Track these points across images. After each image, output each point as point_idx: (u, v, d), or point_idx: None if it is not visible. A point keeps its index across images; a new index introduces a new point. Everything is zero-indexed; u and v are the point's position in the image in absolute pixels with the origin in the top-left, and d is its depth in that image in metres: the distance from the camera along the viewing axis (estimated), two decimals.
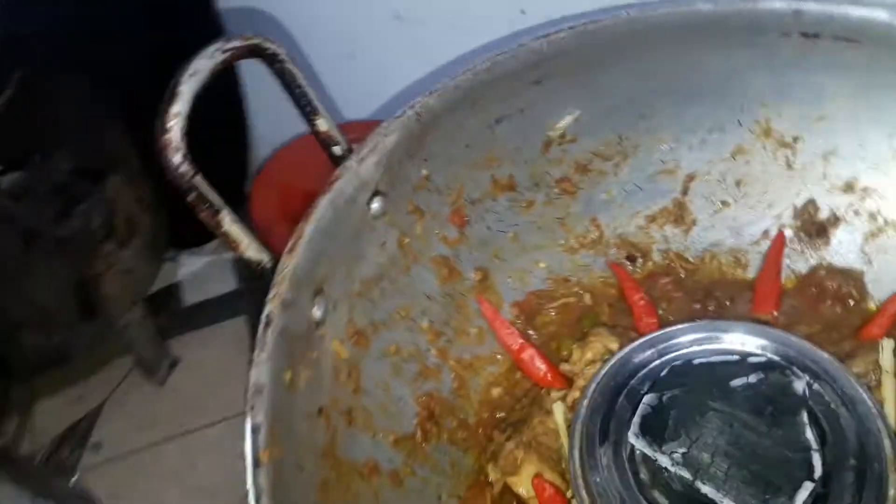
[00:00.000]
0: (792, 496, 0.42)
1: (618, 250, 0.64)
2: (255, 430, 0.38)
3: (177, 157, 0.39)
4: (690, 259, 0.63)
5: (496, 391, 0.58)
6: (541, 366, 0.57)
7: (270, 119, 0.91)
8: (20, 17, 0.73)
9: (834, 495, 0.43)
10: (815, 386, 0.47)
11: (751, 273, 0.62)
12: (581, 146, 0.62)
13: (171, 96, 0.39)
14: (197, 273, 0.98)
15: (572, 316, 0.61)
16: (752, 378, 0.46)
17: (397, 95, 0.82)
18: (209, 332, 0.90)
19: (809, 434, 0.45)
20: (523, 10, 0.70)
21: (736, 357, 0.48)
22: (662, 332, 0.52)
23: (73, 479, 0.73)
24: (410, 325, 0.55)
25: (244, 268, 0.98)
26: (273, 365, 0.40)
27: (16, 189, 0.82)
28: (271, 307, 0.42)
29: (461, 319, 0.59)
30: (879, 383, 0.50)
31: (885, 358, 0.50)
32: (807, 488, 0.42)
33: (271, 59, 0.45)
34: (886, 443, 0.45)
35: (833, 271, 0.60)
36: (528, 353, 0.57)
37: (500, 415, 0.57)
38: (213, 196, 0.41)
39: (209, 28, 0.79)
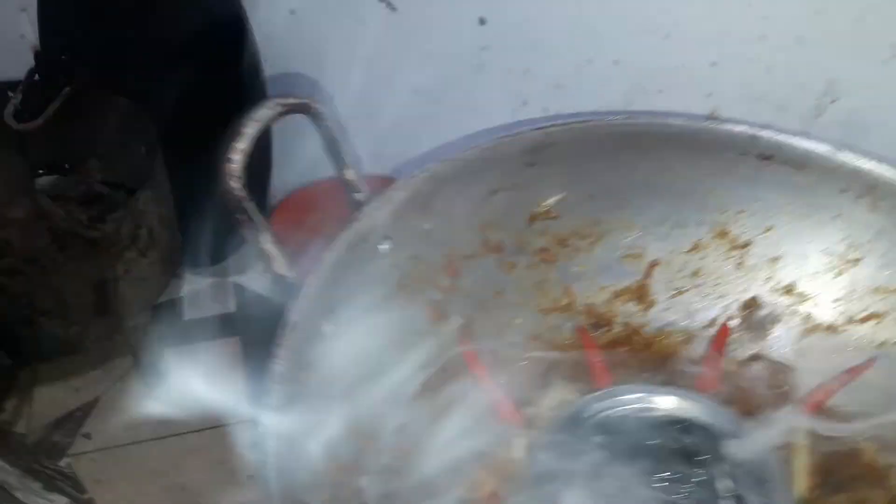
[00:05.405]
0: None
1: (585, 317, 0.72)
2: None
3: (235, 183, 0.48)
4: (646, 334, 0.72)
5: None
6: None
7: (289, 161, 1.00)
8: (73, 41, 0.81)
9: None
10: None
11: (697, 354, 0.70)
12: (562, 223, 0.70)
13: (237, 135, 0.49)
14: (199, 292, 1.04)
15: (538, 370, 0.69)
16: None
17: (410, 158, 0.92)
18: (203, 347, 0.95)
19: None
20: (525, 102, 0.80)
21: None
22: (611, 389, 0.61)
23: (63, 462, 0.78)
24: None
25: (243, 294, 1.05)
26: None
27: (53, 191, 0.90)
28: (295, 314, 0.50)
29: None
30: None
31: None
32: None
33: (317, 117, 0.55)
34: None
35: (768, 361, 0.69)
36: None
37: None
38: (258, 218, 0.50)
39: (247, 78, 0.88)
